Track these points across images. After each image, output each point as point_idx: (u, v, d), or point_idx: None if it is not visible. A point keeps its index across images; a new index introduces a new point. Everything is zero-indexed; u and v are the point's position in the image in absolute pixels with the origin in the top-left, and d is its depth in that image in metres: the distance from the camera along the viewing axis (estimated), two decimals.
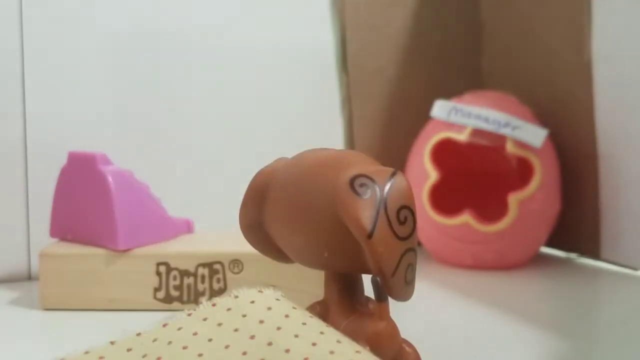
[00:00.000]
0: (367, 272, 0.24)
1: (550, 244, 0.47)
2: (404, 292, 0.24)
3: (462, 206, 0.43)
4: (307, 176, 0.25)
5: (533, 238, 0.44)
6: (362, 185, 0.23)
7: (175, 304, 0.34)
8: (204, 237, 0.37)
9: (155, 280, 0.34)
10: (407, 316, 0.35)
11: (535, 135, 0.42)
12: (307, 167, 0.25)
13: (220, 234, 0.37)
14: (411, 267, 0.24)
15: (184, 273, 0.34)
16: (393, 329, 0.24)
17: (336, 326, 0.24)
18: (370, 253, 0.23)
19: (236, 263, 0.34)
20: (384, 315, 0.24)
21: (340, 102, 0.49)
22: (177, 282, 0.34)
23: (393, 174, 0.24)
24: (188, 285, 0.34)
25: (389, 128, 0.50)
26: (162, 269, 0.34)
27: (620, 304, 0.37)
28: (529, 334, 0.31)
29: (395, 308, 0.36)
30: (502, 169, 0.47)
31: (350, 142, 0.49)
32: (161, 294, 0.34)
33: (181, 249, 0.34)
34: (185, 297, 0.34)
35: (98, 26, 0.43)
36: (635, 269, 0.42)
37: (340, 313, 0.25)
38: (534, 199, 0.42)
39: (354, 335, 0.23)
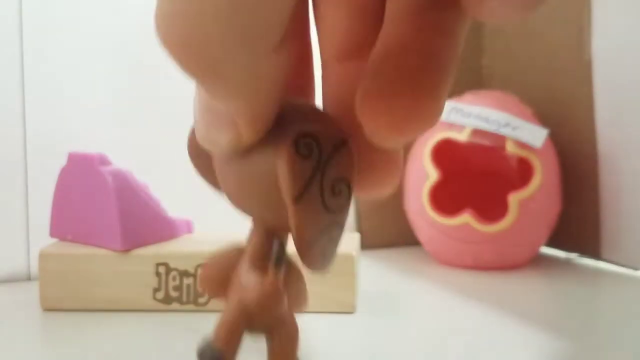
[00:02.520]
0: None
1: (550, 244, 0.47)
2: (319, 263, 0.23)
3: (462, 206, 0.43)
4: None
5: (533, 238, 0.44)
6: (306, 145, 0.22)
7: (175, 305, 0.34)
8: (203, 237, 0.37)
9: (154, 281, 0.34)
10: (407, 316, 0.35)
11: (535, 135, 0.42)
12: None
13: (220, 234, 0.37)
14: (333, 242, 0.22)
15: (184, 273, 0.34)
16: (277, 292, 0.22)
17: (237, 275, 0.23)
18: (293, 216, 0.21)
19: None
20: (272, 277, 0.22)
21: None
22: (177, 283, 0.34)
23: (342, 143, 0.23)
24: (187, 285, 0.34)
25: None
26: (162, 269, 0.34)
27: (620, 304, 0.37)
28: (530, 334, 0.31)
29: (395, 309, 0.36)
30: (502, 169, 0.47)
31: None
32: (160, 295, 0.34)
33: (181, 249, 0.34)
34: (184, 298, 0.34)
35: (98, 26, 0.43)
36: (635, 269, 0.42)
37: (248, 265, 0.25)
38: (534, 199, 0.42)
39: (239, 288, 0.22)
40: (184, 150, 0.51)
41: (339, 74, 0.20)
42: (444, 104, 0.16)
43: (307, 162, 0.22)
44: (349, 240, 0.32)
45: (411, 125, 0.16)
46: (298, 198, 0.21)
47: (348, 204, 0.23)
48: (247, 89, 0.16)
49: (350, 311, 0.33)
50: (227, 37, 0.14)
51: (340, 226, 0.23)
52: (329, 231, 0.23)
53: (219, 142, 0.18)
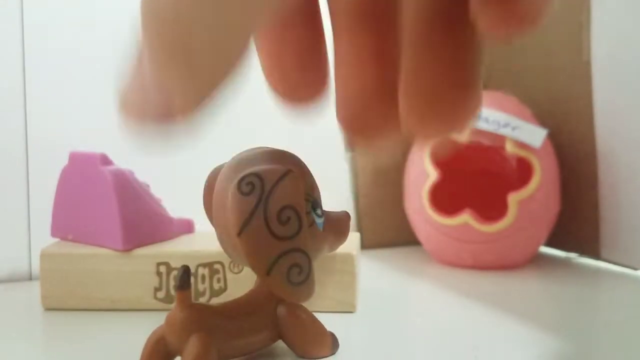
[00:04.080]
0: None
1: (550, 243, 0.47)
2: (290, 292, 0.24)
3: (462, 206, 0.43)
4: (226, 174, 0.26)
5: (533, 238, 0.44)
6: (248, 184, 0.24)
7: None
8: (204, 237, 0.37)
9: (155, 280, 0.34)
10: (407, 316, 0.35)
11: (534, 135, 0.42)
12: (229, 166, 0.26)
13: None
14: (298, 269, 0.24)
15: None
16: (183, 318, 0.24)
17: None
18: (240, 250, 0.23)
19: (236, 263, 0.34)
20: (178, 303, 0.24)
21: None
22: None
23: (285, 174, 0.24)
24: None
25: None
26: (163, 268, 0.34)
27: (620, 304, 0.37)
28: (529, 333, 0.31)
29: (395, 308, 0.36)
30: (501, 168, 0.47)
31: None
32: (161, 294, 0.34)
33: (181, 249, 0.34)
34: None
35: (99, 25, 0.43)
36: (634, 268, 0.42)
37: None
38: (533, 199, 0.42)
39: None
40: (185, 150, 0.51)
41: (351, 43, 0.19)
42: (481, 95, 0.16)
43: (248, 198, 0.23)
44: (349, 240, 0.32)
45: (457, 115, 0.16)
46: (240, 230, 0.23)
47: (302, 230, 0.24)
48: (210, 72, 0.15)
49: (350, 310, 0.34)
50: (206, 19, 0.13)
51: (300, 252, 0.24)
52: (289, 258, 0.23)
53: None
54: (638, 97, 0.40)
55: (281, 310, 0.26)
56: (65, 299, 0.34)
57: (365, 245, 0.49)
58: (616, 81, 0.41)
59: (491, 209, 0.43)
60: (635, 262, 0.42)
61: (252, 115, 0.47)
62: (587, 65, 0.43)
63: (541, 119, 0.45)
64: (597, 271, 0.43)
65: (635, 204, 0.41)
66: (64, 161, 0.36)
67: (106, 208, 0.34)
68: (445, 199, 0.44)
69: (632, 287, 0.40)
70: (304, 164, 0.27)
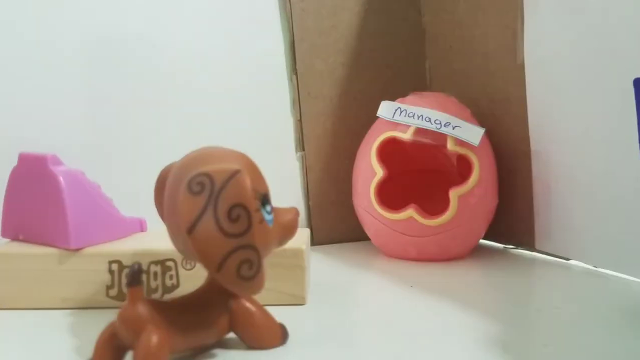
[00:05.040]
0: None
1: (488, 236, 0.49)
2: (241, 287, 0.25)
3: (407, 201, 0.45)
4: (176, 173, 0.26)
5: (473, 231, 0.46)
6: (198, 183, 0.24)
7: None
8: (156, 235, 0.37)
9: (107, 278, 0.34)
10: (355, 306, 0.37)
11: (473, 133, 0.44)
12: (180, 165, 0.27)
13: None
14: (248, 264, 0.25)
15: None
16: (135, 313, 0.25)
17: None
18: (191, 247, 0.24)
19: (188, 260, 0.34)
20: (130, 299, 0.25)
21: (291, 102, 0.50)
22: None
23: (234, 174, 0.25)
24: None
25: (338, 127, 0.51)
26: (114, 267, 0.34)
27: (553, 292, 0.40)
28: (470, 320, 0.32)
29: (344, 300, 0.38)
30: (443, 166, 0.49)
31: (300, 141, 0.51)
32: (114, 292, 0.34)
33: (133, 247, 0.35)
34: None
35: (52, 25, 0.42)
36: (566, 258, 0.45)
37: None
38: (472, 194, 0.44)
39: None
40: (136, 150, 0.51)
41: None
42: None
43: (199, 197, 0.24)
44: (299, 236, 0.33)
45: None
46: (191, 229, 0.24)
47: (251, 227, 0.25)
48: None
49: (300, 303, 0.35)
50: None
51: (251, 248, 0.25)
52: (239, 255, 0.24)
53: None
54: (568, 98, 0.42)
55: (232, 303, 0.27)
56: (17, 298, 0.34)
57: (316, 241, 0.50)
58: (547, 83, 0.43)
59: (434, 204, 0.45)
60: (567, 253, 0.44)
61: (203, 114, 0.47)
62: (520, 67, 0.45)
63: (480, 118, 0.47)
64: (532, 261, 0.46)
65: (566, 199, 0.43)
66: (13, 162, 0.36)
67: (56, 208, 0.34)
68: (391, 195, 0.46)
69: (564, 276, 0.42)
70: (254, 162, 0.27)
